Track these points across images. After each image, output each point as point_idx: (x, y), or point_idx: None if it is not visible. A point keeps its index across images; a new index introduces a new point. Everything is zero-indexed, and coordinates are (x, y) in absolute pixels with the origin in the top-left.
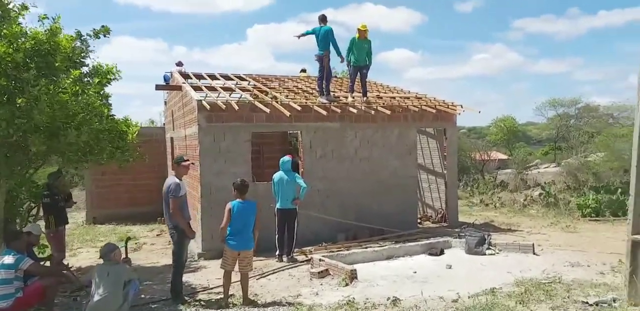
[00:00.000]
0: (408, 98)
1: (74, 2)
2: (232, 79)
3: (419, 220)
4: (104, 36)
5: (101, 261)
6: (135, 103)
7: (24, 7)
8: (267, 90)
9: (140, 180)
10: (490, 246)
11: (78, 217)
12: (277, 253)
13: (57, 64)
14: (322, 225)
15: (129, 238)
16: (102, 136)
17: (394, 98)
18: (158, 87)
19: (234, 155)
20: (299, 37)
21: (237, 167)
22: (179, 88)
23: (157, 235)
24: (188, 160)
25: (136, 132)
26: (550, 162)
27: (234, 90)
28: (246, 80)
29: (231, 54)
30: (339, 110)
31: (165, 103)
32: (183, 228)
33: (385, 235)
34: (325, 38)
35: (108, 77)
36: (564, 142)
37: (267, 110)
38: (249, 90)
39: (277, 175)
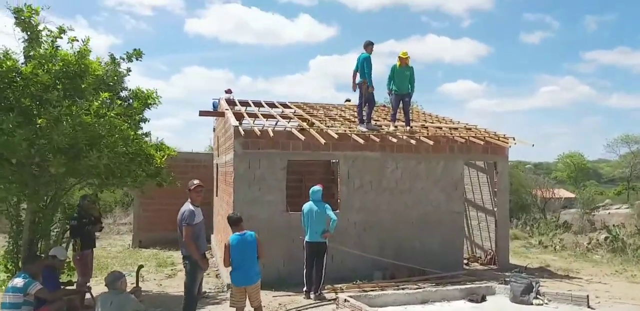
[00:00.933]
0: (456, 129)
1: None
2: (276, 107)
3: (465, 261)
4: (137, 59)
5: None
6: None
7: (62, 30)
8: (309, 117)
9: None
10: (538, 296)
11: (127, 240)
12: (305, 289)
13: (83, 86)
14: (358, 261)
15: (141, 266)
16: (124, 159)
17: (440, 128)
18: (202, 113)
19: (269, 183)
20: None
21: (272, 195)
22: (221, 114)
23: None
24: (199, 185)
25: (165, 157)
26: (622, 203)
27: (275, 118)
28: (290, 108)
29: (294, 84)
30: (377, 140)
31: (214, 129)
32: (196, 259)
33: (426, 276)
34: (361, 66)
35: (148, 101)
36: (639, 181)
37: (302, 138)
38: (289, 118)
39: (306, 206)
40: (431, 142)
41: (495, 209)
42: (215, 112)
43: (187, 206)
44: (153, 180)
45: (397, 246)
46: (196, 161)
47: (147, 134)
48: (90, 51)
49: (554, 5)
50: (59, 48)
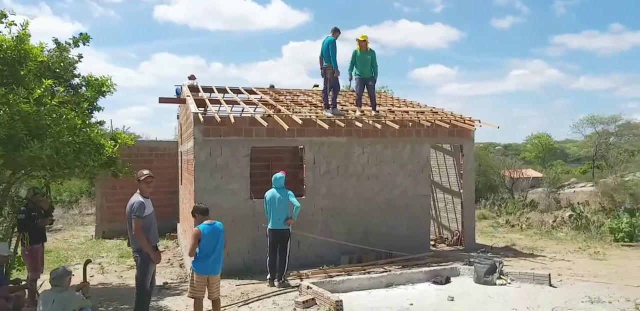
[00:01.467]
0: (423, 112)
1: (116, 21)
2: (242, 93)
3: (433, 243)
4: (84, 44)
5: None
6: (173, 117)
7: (3, 15)
8: (274, 103)
9: (153, 194)
10: (501, 276)
11: (91, 231)
12: (269, 277)
13: (22, 72)
14: (325, 247)
15: (89, 261)
16: (69, 149)
17: (407, 112)
18: (161, 100)
19: (231, 171)
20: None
21: (235, 183)
22: (183, 101)
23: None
24: (150, 175)
25: (117, 146)
26: (587, 181)
27: (238, 104)
28: (256, 94)
29: (266, 71)
30: (343, 124)
31: (178, 117)
32: (147, 252)
33: (393, 259)
34: (326, 49)
35: (102, 89)
36: (603, 160)
37: (265, 124)
38: (254, 104)
39: (269, 193)
40: (397, 126)
41: (461, 191)
42: (176, 98)
43: (137, 197)
44: (106, 170)
45: (365, 231)
46: (160, 149)
47: (101, 123)
48: (30, 36)
49: None
50: None
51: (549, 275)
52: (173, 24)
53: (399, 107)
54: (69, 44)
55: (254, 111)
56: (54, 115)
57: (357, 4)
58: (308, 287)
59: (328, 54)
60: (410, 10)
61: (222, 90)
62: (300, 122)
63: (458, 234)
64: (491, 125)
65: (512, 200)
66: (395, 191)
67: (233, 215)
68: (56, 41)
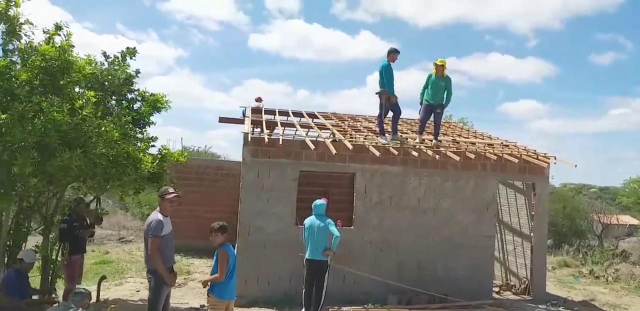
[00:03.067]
0: (492, 145)
1: (213, 48)
2: (303, 116)
3: (497, 289)
4: (131, 58)
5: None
6: None
7: (58, 27)
8: (331, 127)
9: (215, 213)
10: None
11: None
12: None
13: (62, 82)
14: (374, 283)
15: (103, 277)
16: (99, 161)
17: (474, 144)
18: (221, 120)
19: (278, 194)
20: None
21: (281, 207)
22: (241, 122)
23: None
24: (174, 192)
25: (154, 162)
26: None
27: (295, 127)
28: (317, 118)
29: (350, 99)
30: (396, 152)
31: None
32: (161, 273)
33: (447, 304)
34: (380, 74)
35: (157, 105)
36: None
37: (312, 147)
38: (310, 127)
39: (308, 220)
40: (457, 158)
41: (531, 234)
42: (235, 119)
43: (155, 215)
44: (150, 185)
45: (418, 270)
46: (226, 169)
47: (153, 139)
48: (73, 46)
49: (627, 25)
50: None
51: None
52: (266, 53)
53: (467, 137)
54: (117, 58)
55: (306, 135)
56: (91, 127)
57: (446, 35)
58: None
59: (382, 78)
60: (502, 43)
61: (283, 113)
62: (350, 147)
63: (526, 282)
64: (569, 163)
65: (600, 248)
66: (455, 228)
67: (276, 240)
68: (104, 54)
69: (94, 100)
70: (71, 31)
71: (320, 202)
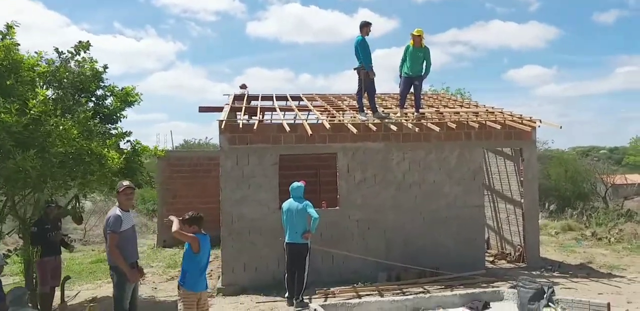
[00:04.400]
0: (477, 113)
1: (212, 39)
2: (287, 100)
3: (492, 259)
4: (84, 52)
5: None
6: None
7: (9, 27)
8: (312, 108)
9: (210, 203)
10: (550, 303)
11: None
12: (287, 295)
13: (9, 82)
14: (362, 262)
15: (67, 278)
16: (55, 160)
17: (458, 113)
18: (201, 109)
19: (259, 180)
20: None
21: (263, 193)
22: (220, 109)
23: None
24: (127, 185)
25: (121, 158)
26: None
27: (276, 111)
28: (302, 101)
29: (352, 79)
30: (374, 128)
31: None
32: (123, 269)
33: (437, 278)
34: (356, 49)
35: (128, 99)
36: None
37: (288, 129)
38: (292, 110)
39: (286, 204)
40: (437, 129)
41: (522, 201)
42: (214, 107)
43: (114, 211)
44: (122, 180)
45: (406, 246)
46: (218, 159)
47: (127, 133)
48: (18, 44)
49: None
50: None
51: (608, 304)
52: (264, 39)
53: (452, 107)
54: (71, 53)
55: (284, 118)
56: (47, 125)
57: (446, 7)
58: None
59: (358, 53)
60: (503, 10)
61: (267, 98)
62: (328, 126)
63: (520, 249)
64: (554, 125)
65: (604, 210)
66: (442, 201)
67: (261, 227)
68: (56, 50)
69: (42, 98)
70: (14, 30)
71: (298, 184)
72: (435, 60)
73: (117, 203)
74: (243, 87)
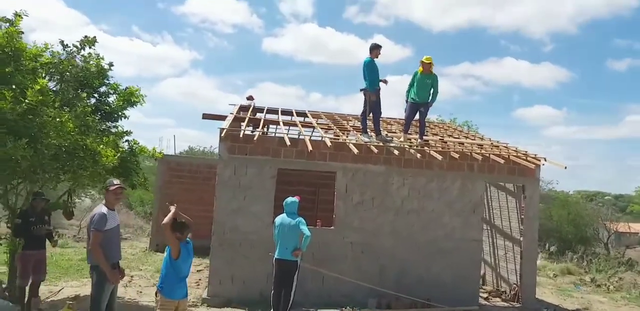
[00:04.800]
0: (481, 146)
1: (227, 51)
2: (293, 115)
3: (486, 295)
4: (89, 47)
5: None
6: None
7: (17, 15)
8: (316, 125)
9: (209, 212)
10: None
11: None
12: None
13: (7, 69)
14: (353, 286)
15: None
16: (48, 152)
17: (462, 144)
18: (205, 116)
19: (255, 192)
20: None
21: (258, 206)
22: (223, 118)
23: (197, 271)
24: (118, 184)
25: (115, 156)
26: None
27: (279, 124)
28: (307, 117)
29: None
30: (376, 150)
31: None
32: (104, 269)
33: (428, 310)
34: (363, 70)
35: (132, 99)
36: None
37: (288, 143)
38: (294, 125)
39: (278, 219)
40: (440, 157)
41: (521, 239)
42: (217, 115)
43: (100, 209)
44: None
45: (400, 274)
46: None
47: (127, 132)
48: (22, 32)
49: None
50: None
51: None
52: (279, 56)
53: (457, 138)
54: (77, 47)
55: (288, 132)
56: (42, 116)
57: (460, 40)
58: None
59: (365, 74)
60: (517, 49)
61: (272, 111)
62: (329, 144)
63: (516, 288)
64: (559, 165)
65: (606, 256)
66: (440, 231)
67: (253, 240)
68: (62, 42)
69: (38, 87)
70: (21, 18)
71: (292, 199)
72: (446, 92)
73: (103, 201)
74: (250, 98)
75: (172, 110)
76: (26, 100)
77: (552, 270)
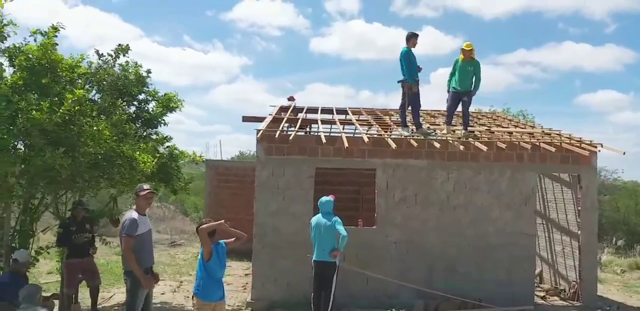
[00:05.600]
0: (532, 134)
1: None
2: (332, 113)
3: (543, 294)
4: (124, 55)
5: None
6: None
7: (55, 28)
8: (355, 122)
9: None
10: None
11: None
12: None
13: (44, 81)
14: (399, 286)
15: (54, 296)
16: (84, 160)
17: (511, 133)
18: (245, 119)
19: (294, 193)
20: None
21: (297, 206)
22: (262, 120)
23: (245, 275)
24: (148, 189)
25: (154, 162)
26: None
27: (317, 123)
28: (347, 114)
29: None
30: (415, 144)
31: None
32: (137, 275)
33: (479, 310)
34: (400, 61)
35: (170, 104)
36: None
37: (324, 141)
38: (334, 123)
39: (314, 219)
40: (485, 148)
41: (579, 232)
42: (258, 117)
43: (130, 214)
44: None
45: (449, 273)
46: None
47: (167, 138)
48: (56, 44)
49: None
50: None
51: None
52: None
53: (506, 127)
54: (111, 56)
55: (329, 130)
56: (79, 125)
57: (514, 26)
58: None
59: (403, 66)
60: (577, 31)
61: (312, 111)
62: (366, 140)
63: (576, 286)
64: (616, 151)
65: None
66: (490, 227)
67: (294, 241)
68: (97, 52)
69: (70, 96)
70: (53, 29)
71: (327, 198)
72: (502, 81)
73: (134, 207)
74: (291, 99)
75: (227, 116)
76: (60, 110)
77: (620, 266)
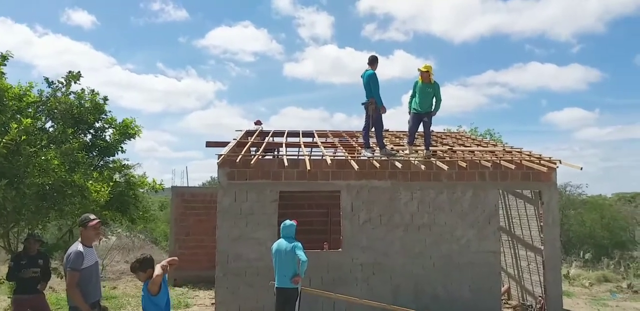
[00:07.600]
0: (493, 152)
1: (250, 79)
2: (298, 136)
3: None
4: (75, 82)
5: None
6: None
7: (3, 57)
8: (319, 144)
9: None
10: None
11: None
12: None
13: None
14: (368, 309)
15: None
16: (29, 191)
17: (472, 152)
18: (208, 144)
19: (257, 218)
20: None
21: (261, 232)
22: (225, 144)
23: (211, 304)
24: (96, 218)
25: (107, 191)
26: None
27: (280, 146)
28: (314, 137)
29: (385, 119)
30: (378, 165)
31: None
32: (82, 309)
33: None
34: (367, 84)
35: (128, 131)
36: None
37: (286, 164)
38: (297, 146)
39: (275, 244)
40: (446, 168)
41: (542, 248)
42: (220, 142)
43: (75, 246)
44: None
45: (416, 294)
46: None
47: (126, 166)
48: (3, 73)
49: None
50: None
51: None
52: (300, 80)
53: (468, 146)
54: (62, 83)
55: (286, 154)
56: (25, 156)
57: (483, 48)
58: None
59: (369, 88)
60: (543, 52)
61: (278, 134)
62: (329, 162)
63: (542, 301)
64: (575, 166)
65: None
66: (454, 245)
67: (258, 267)
68: (47, 80)
69: (15, 126)
70: (1, 58)
71: (289, 222)
72: (471, 102)
73: (79, 239)
74: (258, 123)
75: (199, 142)
76: (4, 140)
77: (588, 279)
